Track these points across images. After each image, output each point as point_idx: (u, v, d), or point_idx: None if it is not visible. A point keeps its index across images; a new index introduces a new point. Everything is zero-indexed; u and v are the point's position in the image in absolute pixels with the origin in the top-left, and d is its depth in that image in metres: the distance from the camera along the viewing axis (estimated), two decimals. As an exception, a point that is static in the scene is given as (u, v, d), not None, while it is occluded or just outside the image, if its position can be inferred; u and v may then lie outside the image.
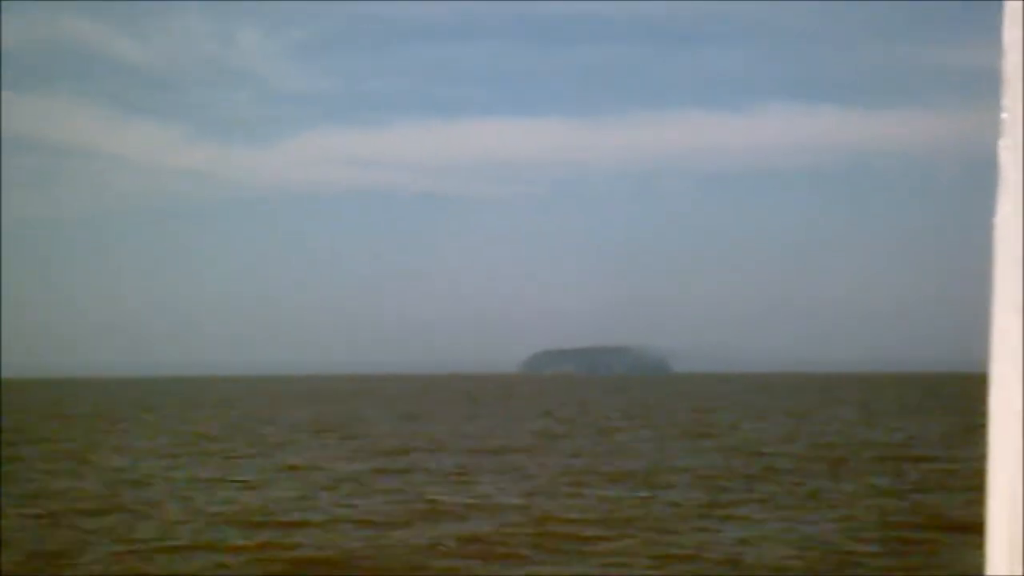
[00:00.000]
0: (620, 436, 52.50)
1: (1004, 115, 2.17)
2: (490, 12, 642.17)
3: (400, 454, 41.64)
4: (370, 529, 23.10)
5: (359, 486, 30.77)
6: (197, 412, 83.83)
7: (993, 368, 2.08)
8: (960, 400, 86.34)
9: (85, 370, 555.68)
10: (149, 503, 27.49)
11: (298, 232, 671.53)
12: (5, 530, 23.04)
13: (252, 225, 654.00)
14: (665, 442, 47.52)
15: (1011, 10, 2.16)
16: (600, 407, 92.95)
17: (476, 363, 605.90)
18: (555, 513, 25.30)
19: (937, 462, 36.97)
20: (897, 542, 21.66)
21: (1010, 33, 2.16)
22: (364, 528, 23.19)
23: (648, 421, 67.98)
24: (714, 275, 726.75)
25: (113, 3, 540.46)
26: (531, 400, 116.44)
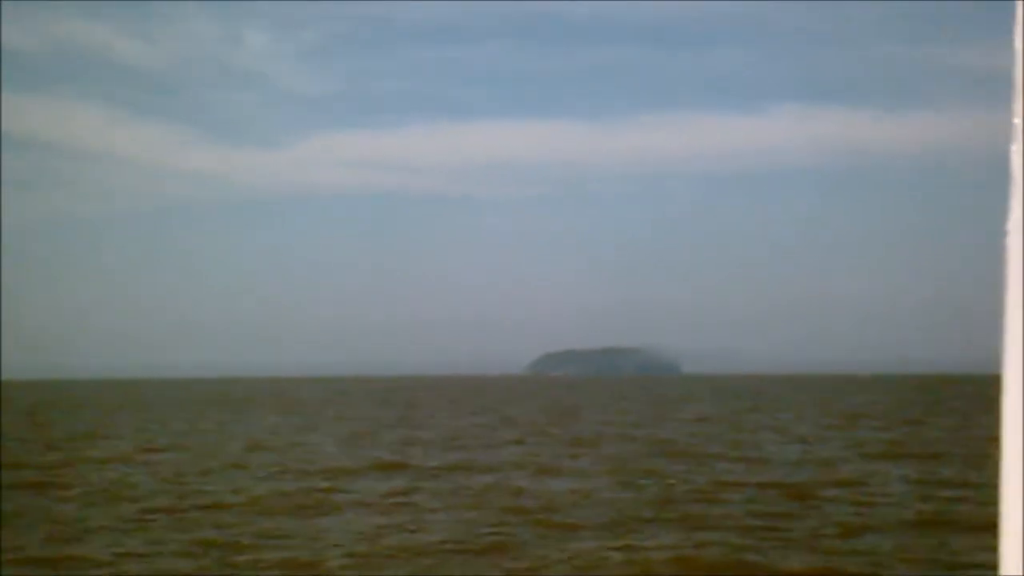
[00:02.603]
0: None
1: (1016, 120, 2.18)
2: (498, 14, 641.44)
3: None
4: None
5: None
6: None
7: (1006, 370, 2.10)
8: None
9: (86, 372, 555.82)
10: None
11: (305, 234, 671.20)
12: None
13: (259, 227, 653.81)
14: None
15: None
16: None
17: (483, 365, 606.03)
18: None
19: None
20: None
21: (1023, 38, 2.17)
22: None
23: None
24: (724, 276, 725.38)
25: (120, 5, 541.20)
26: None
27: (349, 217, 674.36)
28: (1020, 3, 2.20)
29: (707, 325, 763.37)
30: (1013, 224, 2.17)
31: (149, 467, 37.54)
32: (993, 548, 2.20)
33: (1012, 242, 2.16)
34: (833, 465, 35.90)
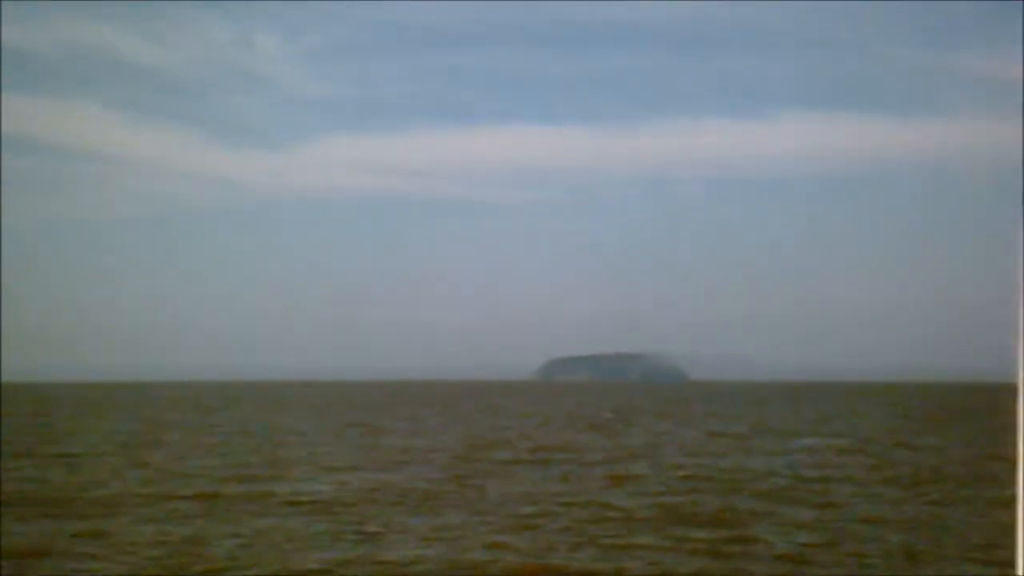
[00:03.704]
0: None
1: (1027, 126, 2.17)
2: (506, 19, 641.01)
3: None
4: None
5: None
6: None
7: (1022, 376, 2.11)
8: None
9: (92, 374, 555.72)
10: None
11: (309, 237, 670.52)
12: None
13: (264, 230, 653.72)
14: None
15: None
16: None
17: (490, 370, 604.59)
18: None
19: None
20: None
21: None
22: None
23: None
24: (731, 281, 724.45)
25: (129, 6, 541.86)
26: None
27: (353, 220, 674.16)
28: None
29: (713, 331, 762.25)
30: None
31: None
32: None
33: None
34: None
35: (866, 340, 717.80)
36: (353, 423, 76.18)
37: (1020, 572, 2.16)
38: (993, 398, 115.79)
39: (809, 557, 21.11)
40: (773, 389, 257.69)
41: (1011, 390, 2.15)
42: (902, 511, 27.36)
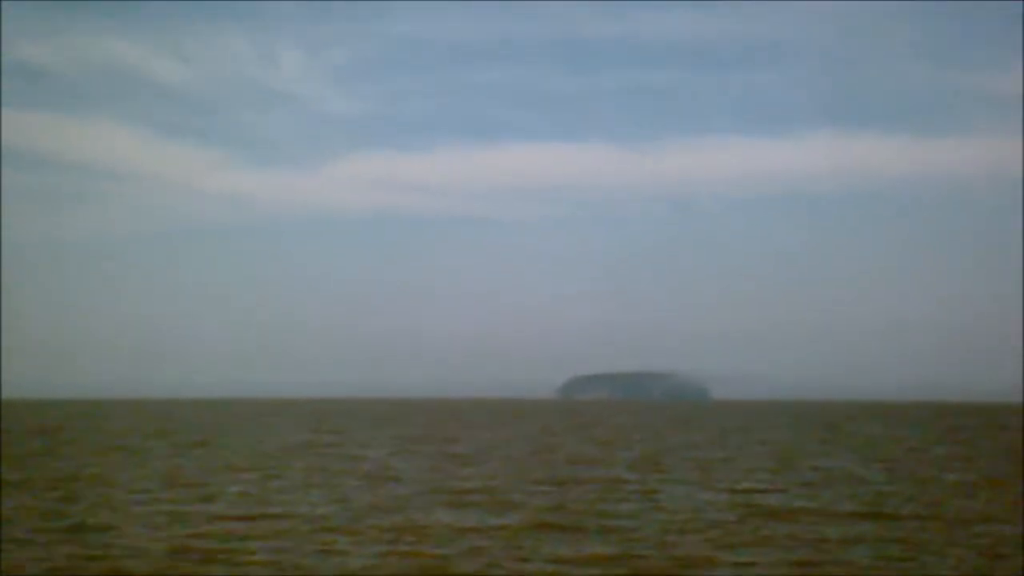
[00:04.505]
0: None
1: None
2: (529, 37, 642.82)
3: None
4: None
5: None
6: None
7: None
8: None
9: (110, 391, 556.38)
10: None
11: (332, 255, 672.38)
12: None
13: (287, 248, 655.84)
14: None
15: None
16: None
17: (513, 388, 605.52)
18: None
19: None
20: None
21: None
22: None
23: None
24: (752, 299, 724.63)
25: (156, 25, 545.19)
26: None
27: (376, 239, 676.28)
28: None
29: (736, 350, 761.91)
30: None
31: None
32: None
33: None
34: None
35: (890, 358, 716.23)
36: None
37: None
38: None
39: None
40: (805, 408, 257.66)
41: None
42: None
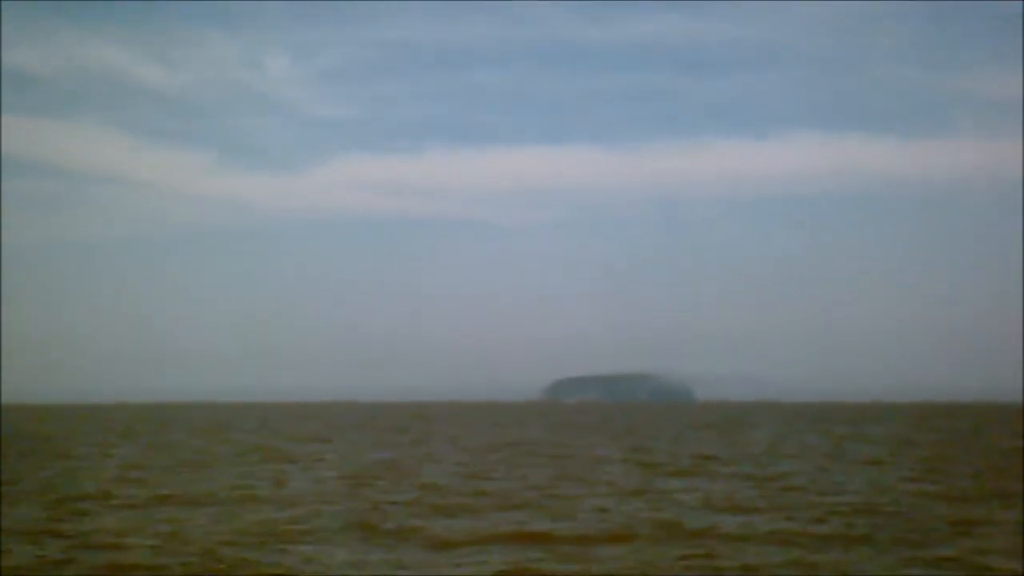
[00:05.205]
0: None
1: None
2: (517, 41, 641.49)
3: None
4: None
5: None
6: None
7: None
8: None
9: (98, 396, 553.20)
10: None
11: (320, 258, 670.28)
12: None
13: (276, 252, 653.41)
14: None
15: None
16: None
17: (497, 390, 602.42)
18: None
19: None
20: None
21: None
22: None
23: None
24: (738, 301, 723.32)
25: (141, 30, 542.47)
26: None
27: (364, 242, 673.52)
28: None
29: (721, 350, 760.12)
30: None
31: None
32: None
33: None
34: None
35: (877, 359, 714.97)
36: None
37: None
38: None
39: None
40: (793, 411, 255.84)
41: None
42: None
